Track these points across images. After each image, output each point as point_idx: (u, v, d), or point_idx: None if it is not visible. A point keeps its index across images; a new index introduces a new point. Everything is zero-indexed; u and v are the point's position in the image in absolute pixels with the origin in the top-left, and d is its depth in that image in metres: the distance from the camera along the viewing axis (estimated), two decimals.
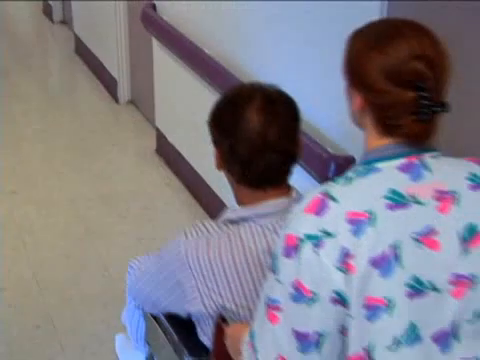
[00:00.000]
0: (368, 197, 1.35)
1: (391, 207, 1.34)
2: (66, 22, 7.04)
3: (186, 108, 4.07)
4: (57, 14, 7.14)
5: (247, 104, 1.74)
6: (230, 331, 1.70)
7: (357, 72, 1.40)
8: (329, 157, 2.62)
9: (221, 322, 1.75)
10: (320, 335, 1.35)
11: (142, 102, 5.17)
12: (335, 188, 1.37)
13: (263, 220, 1.77)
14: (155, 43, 4.31)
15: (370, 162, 1.40)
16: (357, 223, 1.32)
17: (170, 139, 4.39)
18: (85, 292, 3.31)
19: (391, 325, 1.33)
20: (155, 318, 2.18)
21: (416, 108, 1.34)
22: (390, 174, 1.37)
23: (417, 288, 1.34)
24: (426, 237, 1.34)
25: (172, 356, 2.11)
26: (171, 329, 2.10)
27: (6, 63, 6.24)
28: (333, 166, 2.62)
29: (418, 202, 1.35)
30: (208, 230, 1.81)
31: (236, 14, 3.32)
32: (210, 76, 3.49)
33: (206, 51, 3.51)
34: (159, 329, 2.17)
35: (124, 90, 5.26)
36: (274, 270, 1.39)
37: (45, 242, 3.70)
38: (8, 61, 6.29)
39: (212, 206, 3.79)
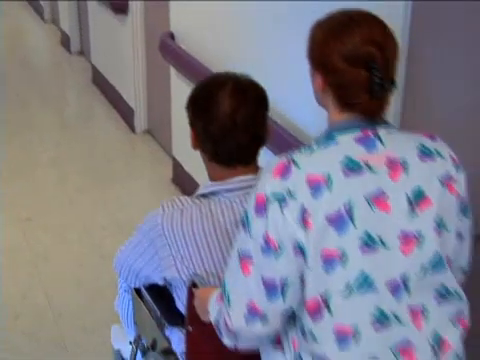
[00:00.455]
0: (326, 164, 1.56)
1: (346, 173, 1.54)
2: (84, 53, 7.09)
3: None
4: (75, 45, 7.19)
5: (220, 89, 1.94)
6: (199, 293, 1.86)
7: (319, 57, 1.61)
8: None
9: (192, 287, 1.91)
10: (285, 283, 1.56)
11: (159, 131, 5.17)
12: (298, 156, 1.58)
13: (230, 194, 1.96)
14: (173, 72, 4.31)
15: (330, 135, 1.61)
16: (315, 186, 1.53)
17: (187, 168, 4.37)
18: (100, 319, 3.27)
19: (344, 275, 1.53)
20: (140, 296, 2.34)
21: (369, 86, 1.55)
22: (347, 145, 1.58)
23: (368, 243, 1.54)
24: (377, 199, 1.55)
25: (155, 331, 2.27)
26: (154, 304, 2.25)
27: (23, 93, 6.28)
28: None
29: (371, 169, 1.56)
30: (183, 203, 1.98)
31: (254, 41, 3.32)
32: None
33: None
34: (143, 307, 2.33)
35: (141, 120, 5.26)
36: (246, 227, 1.59)
37: (59, 269, 3.67)
38: (25, 91, 6.32)
39: None
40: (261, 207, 1.56)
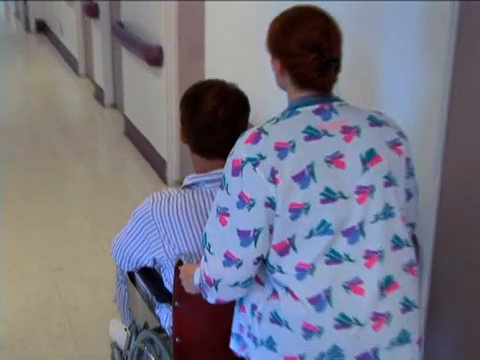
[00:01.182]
0: (290, 131, 1.85)
1: (307, 139, 1.84)
2: (117, 106, 7.17)
3: None
4: (108, 98, 7.28)
5: (206, 91, 2.27)
6: (183, 269, 2.12)
7: (277, 45, 1.93)
8: None
9: (178, 265, 2.16)
10: (256, 231, 1.83)
11: None
12: (267, 125, 1.89)
13: (210, 185, 2.26)
14: None
15: (293, 108, 1.91)
16: (281, 149, 1.82)
17: None
18: None
19: (307, 222, 1.83)
20: (134, 282, 2.66)
21: (318, 65, 1.86)
22: (307, 116, 1.88)
23: (329, 196, 1.83)
24: (335, 159, 1.84)
25: (147, 312, 2.58)
26: (145, 286, 2.54)
27: (56, 145, 6.34)
28: None
29: (328, 134, 1.86)
30: (170, 193, 2.29)
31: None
32: None
33: None
34: (137, 292, 2.64)
35: (173, 171, 5.27)
36: (225, 186, 1.87)
37: (91, 320, 3.63)
38: (59, 143, 6.39)
39: None
40: (237, 169, 1.85)
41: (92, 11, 7.23)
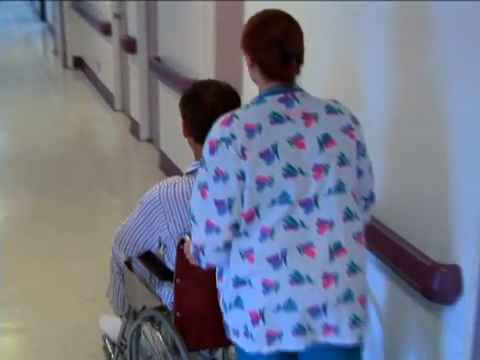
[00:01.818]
0: (258, 116, 2.17)
1: (272, 122, 2.17)
2: (152, 140, 7.20)
3: None
4: (144, 132, 7.32)
5: (205, 89, 2.67)
6: (187, 244, 2.46)
7: (248, 43, 2.26)
8: (432, 266, 2.46)
9: (180, 244, 2.50)
10: (230, 201, 2.14)
11: None
12: (238, 111, 2.22)
13: None
14: None
15: (261, 97, 2.23)
16: (250, 130, 2.14)
17: None
18: None
19: (271, 192, 2.14)
20: (131, 269, 2.97)
21: (281, 59, 2.20)
22: (273, 103, 2.20)
23: (289, 171, 2.15)
24: (296, 140, 2.17)
25: (145, 295, 2.85)
26: (146, 268, 2.86)
27: (91, 178, 6.37)
28: (438, 277, 2.41)
29: (290, 120, 2.18)
30: (175, 180, 2.68)
31: None
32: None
33: None
34: (135, 277, 2.93)
35: None
36: (204, 165, 2.19)
37: None
38: (94, 177, 6.41)
39: None
40: (213, 148, 2.17)
41: (130, 46, 7.31)
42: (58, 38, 11.39)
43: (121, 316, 3.22)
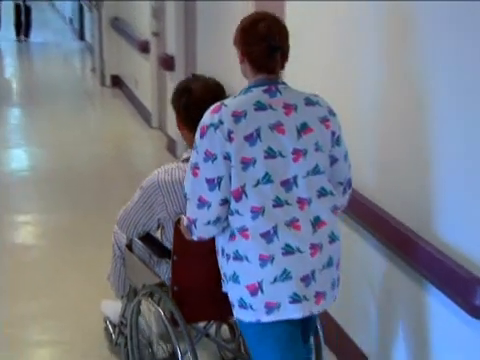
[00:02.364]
0: (244, 104, 2.50)
1: (256, 110, 2.49)
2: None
3: (345, 269, 3.88)
4: (180, 149, 7.31)
5: (193, 83, 3.00)
6: (182, 221, 2.69)
7: (240, 39, 2.59)
8: (472, 279, 2.46)
9: (177, 223, 2.77)
10: (219, 178, 2.47)
11: None
12: (227, 100, 2.55)
13: None
14: None
15: (248, 88, 2.57)
16: (236, 116, 2.47)
17: None
18: None
19: (254, 173, 2.45)
20: (132, 251, 3.28)
21: (267, 51, 2.53)
22: (258, 93, 2.53)
23: (270, 153, 2.46)
24: (276, 127, 2.49)
25: (145, 274, 3.14)
26: (146, 248, 3.16)
27: (127, 194, 6.33)
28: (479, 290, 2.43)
29: (272, 108, 2.51)
30: (171, 166, 2.99)
31: (397, 158, 3.26)
32: (379, 232, 3.24)
33: (366, 196, 3.36)
34: (135, 258, 3.24)
35: None
36: (195, 148, 2.51)
37: None
38: (129, 192, 6.38)
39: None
40: (203, 132, 2.50)
41: (168, 64, 7.35)
42: (96, 57, 11.50)
43: (122, 297, 3.53)
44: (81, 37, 14.99)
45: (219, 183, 2.46)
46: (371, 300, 3.39)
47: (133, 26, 9.23)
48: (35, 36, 14.40)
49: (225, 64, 5.43)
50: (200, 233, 2.57)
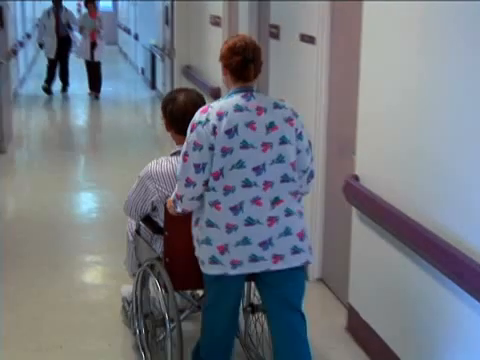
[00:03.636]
0: (226, 106, 3.20)
1: (235, 111, 3.18)
2: None
3: (387, 285, 3.86)
4: None
5: (178, 94, 3.80)
6: (168, 200, 3.48)
7: (223, 55, 3.29)
8: None
9: (166, 205, 3.49)
10: (204, 164, 3.18)
11: (332, 278, 5.02)
12: (213, 103, 3.26)
13: None
14: (355, 215, 4.22)
15: (230, 94, 3.27)
16: (220, 115, 3.18)
17: (363, 316, 4.16)
18: None
19: (231, 159, 3.15)
20: (139, 235, 3.99)
21: (242, 63, 3.23)
22: (237, 98, 3.23)
23: (244, 145, 3.16)
24: (250, 124, 3.18)
25: (148, 250, 3.85)
26: (147, 229, 3.87)
27: None
28: None
29: (248, 110, 3.20)
30: (162, 159, 3.75)
31: (448, 175, 3.18)
32: (424, 250, 3.29)
33: (422, 224, 3.36)
34: (141, 240, 3.95)
35: (314, 267, 5.14)
36: (186, 140, 3.24)
37: None
38: None
39: None
40: (193, 127, 3.23)
41: None
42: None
43: (133, 274, 4.10)
44: (153, 86, 15.25)
45: (203, 168, 3.18)
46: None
47: (205, 73, 9.35)
48: (107, 86, 14.70)
49: (295, 107, 5.41)
50: (184, 206, 3.30)
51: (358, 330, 4.26)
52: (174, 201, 3.33)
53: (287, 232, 3.21)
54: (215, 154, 3.14)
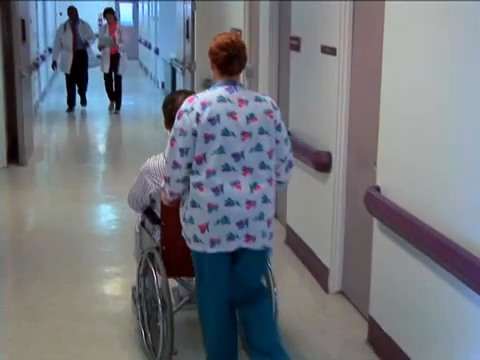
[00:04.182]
0: (210, 96, 3.53)
1: (219, 101, 3.50)
2: (277, 215, 7.13)
3: (409, 296, 3.82)
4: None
5: (178, 95, 4.07)
6: (162, 193, 3.81)
7: (211, 50, 3.60)
8: None
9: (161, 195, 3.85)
10: (188, 149, 3.51)
11: (353, 290, 4.98)
12: (199, 94, 3.59)
13: None
14: (376, 226, 4.18)
15: (215, 86, 3.59)
16: (203, 105, 3.50)
17: (385, 329, 4.12)
18: None
19: (212, 145, 3.48)
20: (144, 227, 4.36)
21: (227, 58, 3.54)
22: (221, 90, 3.55)
23: (225, 132, 3.48)
24: (232, 114, 3.49)
25: (150, 240, 4.21)
26: (147, 220, 4.24)
27: None
28: None
29: (230, 101, 3.52)
30: (159, 155, 4.10)
31: (471, 186, 3.15)
32: (447, 261, 3.26)
33: (445, 235, 3.32)
34: (144, 231, 4.32)
35: (335, 278, 5.11)
36: (173, 127, 3.58)
37: None
38: None
39: None
40: (180, 115, 3.54)
41: None
42: None
43: (139, 263, 4.33)
44: None
45: (187, 151, 3.50)
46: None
47: None
48: (127, 100, 14.76)
49: (320, 121, 5.41)
50: (172, 188, 3.61)
51: (379, 343, 4.21)
52: (164, 187, 3.67)
53: (261, 217, 3.54)
54: (198, 140, 3.46)
